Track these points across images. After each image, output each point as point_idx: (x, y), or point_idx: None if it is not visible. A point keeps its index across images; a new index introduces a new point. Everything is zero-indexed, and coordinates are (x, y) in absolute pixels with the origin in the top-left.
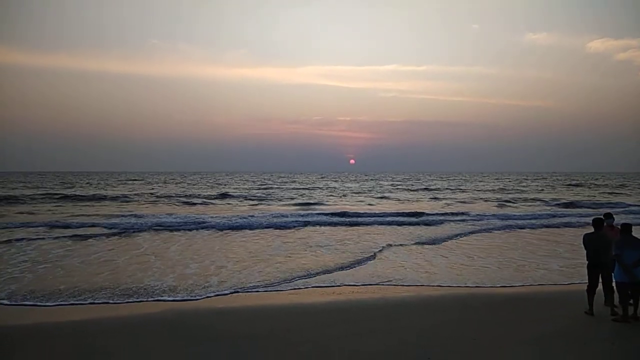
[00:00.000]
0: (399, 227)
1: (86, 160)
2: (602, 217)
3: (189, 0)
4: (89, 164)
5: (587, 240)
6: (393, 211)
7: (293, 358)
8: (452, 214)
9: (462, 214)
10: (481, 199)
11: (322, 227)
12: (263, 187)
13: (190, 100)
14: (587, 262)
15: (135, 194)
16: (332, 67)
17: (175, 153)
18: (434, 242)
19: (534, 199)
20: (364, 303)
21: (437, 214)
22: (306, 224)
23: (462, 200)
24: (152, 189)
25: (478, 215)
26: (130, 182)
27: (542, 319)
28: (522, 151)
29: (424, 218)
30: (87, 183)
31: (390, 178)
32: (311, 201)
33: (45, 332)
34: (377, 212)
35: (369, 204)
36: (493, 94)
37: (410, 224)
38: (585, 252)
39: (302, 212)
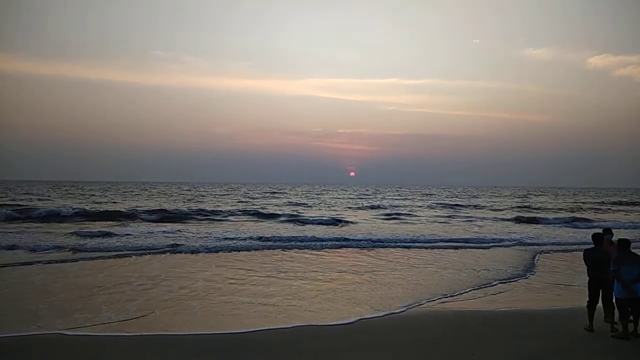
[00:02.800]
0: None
1: (87, 170)
2: (601, 232)
3: (192, 13)
4: (90, 174)
5: (588, 255)
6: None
7: None
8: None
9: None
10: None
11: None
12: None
13: (193, 110)
14: (587, 277)
15: (146, 208)
16: (333, 79)
17: (177, 163)
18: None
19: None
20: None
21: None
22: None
23: (506, 218)
24: (176, 201)
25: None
26: (135, 192)
27: (542, 335)
28: (521, 165)
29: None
30: (82, 194)
31: (396, 191)
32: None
33: None
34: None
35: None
36: (493, 108)
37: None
38: (585, 268)
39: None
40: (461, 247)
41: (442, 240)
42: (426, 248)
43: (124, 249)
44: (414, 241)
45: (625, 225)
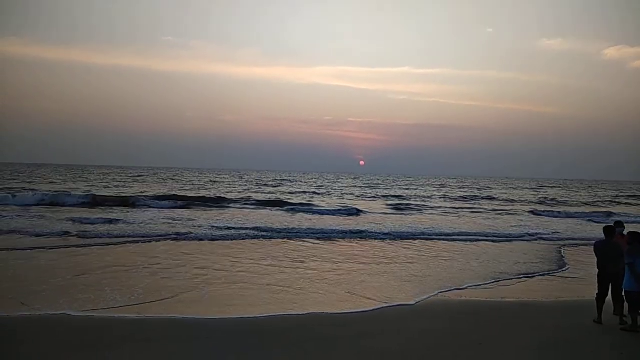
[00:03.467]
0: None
1: (95, 154)
2: (612, 225)
3: None
4: (98, 158)
5: (599, 248)
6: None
7: (300, 355)
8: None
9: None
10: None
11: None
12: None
13: (202, 97)
14: (597, 270)
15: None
16: (343, 67)
17: (186, 149)
18: None
19: None
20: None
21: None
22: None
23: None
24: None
25: None
26: (143, 177)
27: (550, 327)
28: (533, 157)
29: None
30: (89, 179)
31: (407, 181)
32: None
33: None
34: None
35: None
36: (506, 99)
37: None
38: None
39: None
40: (479, 241)
41: (459, 234)
42: (445, 240)
43: (133, 235)
44: (429, 234)
45: None
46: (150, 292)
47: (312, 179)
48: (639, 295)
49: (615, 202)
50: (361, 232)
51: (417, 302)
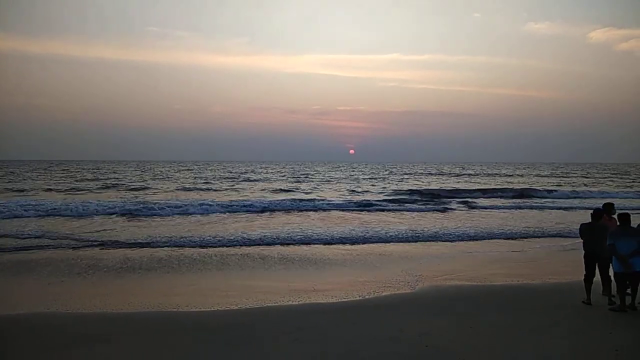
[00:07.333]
0: None
1: (80, 149)
2: (601, 207)
3: None
4: (82, 153)
5: (584, 230)
6: None
7: (291, 344)
8: None
9: None
10: None
11: None
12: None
13: (189, 88)
14: (584, 252)
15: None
16: (331, 55)
17: (173, 142)
18: None
19: None
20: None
21: None
22: None
23: None
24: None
25: None
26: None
27: (539, 308)
28: (521, 141)
29: None
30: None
31: (407, 170)
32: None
33: None
34: None
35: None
36: (494, 84)
37: None
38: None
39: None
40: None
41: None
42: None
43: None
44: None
45: None
46: (138, 287)
47: (305, 170)
48: (627, 276)
49: None
50: (389, 235)
51: (414, 290)
